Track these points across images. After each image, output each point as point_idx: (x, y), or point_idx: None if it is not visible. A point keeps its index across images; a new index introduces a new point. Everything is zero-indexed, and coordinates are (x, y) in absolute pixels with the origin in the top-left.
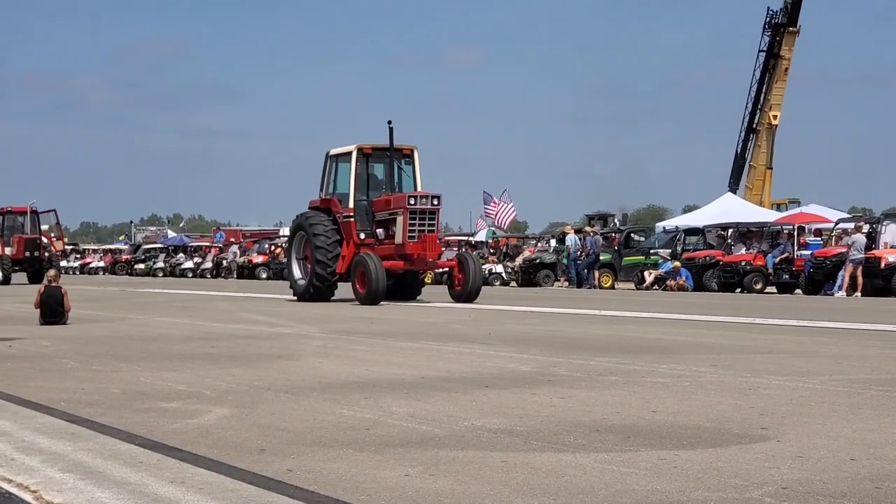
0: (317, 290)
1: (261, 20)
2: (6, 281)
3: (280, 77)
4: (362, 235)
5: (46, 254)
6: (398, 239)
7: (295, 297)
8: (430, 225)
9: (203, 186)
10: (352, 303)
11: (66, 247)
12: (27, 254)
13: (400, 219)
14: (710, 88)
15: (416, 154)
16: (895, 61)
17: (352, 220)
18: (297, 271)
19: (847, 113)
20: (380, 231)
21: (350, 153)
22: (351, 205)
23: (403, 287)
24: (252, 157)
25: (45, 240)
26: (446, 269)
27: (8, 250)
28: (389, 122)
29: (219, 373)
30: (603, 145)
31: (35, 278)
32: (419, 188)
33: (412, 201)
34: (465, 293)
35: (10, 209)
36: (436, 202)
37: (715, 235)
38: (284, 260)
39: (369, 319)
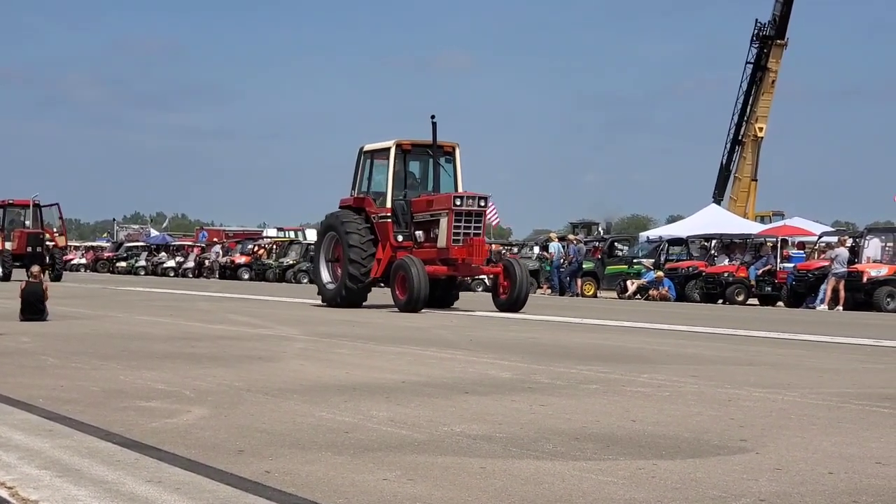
0: (349, 293)
1: (250, 22)
2: (6, 277)
3: (268, 79)
4: (400, 238)
5: (49, 249)
6: (441, 242)
7: (323, 303)
8: (476, 228)
9: (187, 186)
10: (388, 309)
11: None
12: (29, 249)
13: (444, 221)
14: (697, 99)
15: (457, 151)
16: (882, 76)
17: (388, 220)
18: (325, 274)
19: (833, 127)
20: (419, 233)
21: (388, 149)
22: (388, 204)
23: (439, 293)
24: (237, 158)
25: (47, 235)
26: (490, 275)
27: (9, 245)
28: (433, 117)
29: (199, 373)
30: (589, 154)
31: None
32: (460, 188)
33: (458, 202)
34: (510, 302)
35: (11, 202)
36: (483, 203)
37: (698, 246)
38: (266, 261)
39: (352, 323)
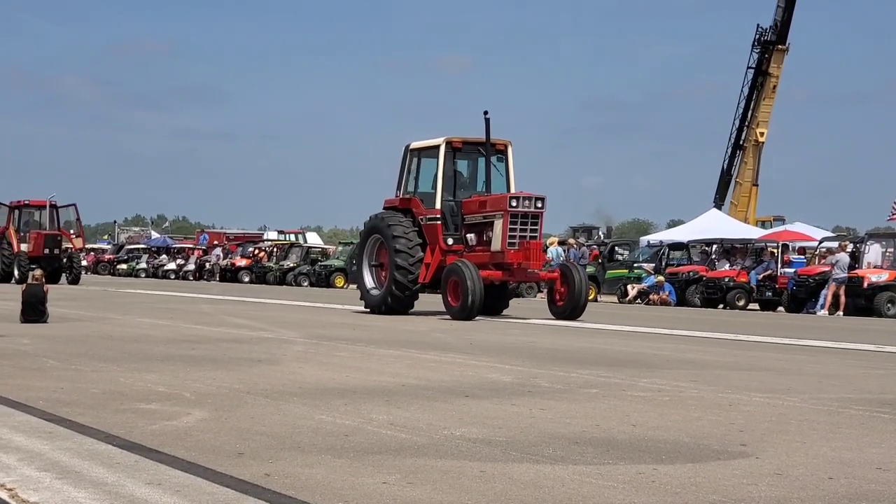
0: (395, 301)
1: (249, 23)
2: (23, 279)
3: (267, 80)
4: (450, 241)
5: (66, 251)
6: (495, 245)
7: (367, 309)
8: (532, 230)
9: (188, 188)
10: (437, 316)
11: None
12: (46, 251)
13: (498, 223)
14: (698, 103)
15: (510, 150)
16: (883, 81)
17: (438, 222)
18: (369, 280)
19: (834, 132)
20: (470, 236)
21: (437, 147)
22: (437, 205)
23: (489, 299)
24: (238, 159)
25: (64, 237)
26: (547, 280)
27: (24, 247)
28: (486, 113)
29: (199, 375)
30: (589, 158)
31: (52, 278)
32: (513, 188)
33: (514, 203)
34: (568, 309)
35: (27, 202)
36: (540, 205)
37: (699, 251)
38: (267, 264)
39: (351, 326)
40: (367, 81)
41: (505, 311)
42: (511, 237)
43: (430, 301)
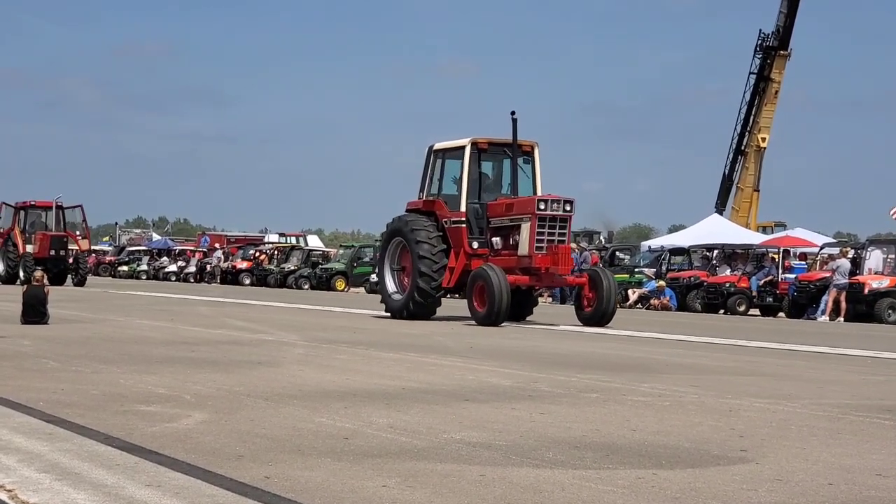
0: (418, 307)
1: (252, 26)
2: (28, 281)
3: (269, 83)
4: (475, 244)
5: (72, 253)
6: (522, 250)
7: (388, 314)
8: (560, 234)
9: (190, 190)
10: (461, 322)
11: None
12: (51, 252)
13: (525, 226)
14: (700, 108)
15: (536, 151)
16: (885, 88)
17: (463, 225)
18: (390, 284)
19: (835, 138)
20: (496, 240)
21: (462, 148)
22: (463, 208)
23: (513, 305)
24: (239, 162)
25: (70, 238)
26: (575, 286)
27: (30, 248)
28: (513, 113)
29: (199, 377)
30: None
31: (57, 280)
32: (539, 191)
33: (542, 206)
34: (597, 316)
35: (33, 203)
36: (568, 208)
37: (700, 256)
38: (268, 266)
39: (351, 329)
40: (369, 85)
41: (529, 317)
42: (539, 241)
43: (453, 306)
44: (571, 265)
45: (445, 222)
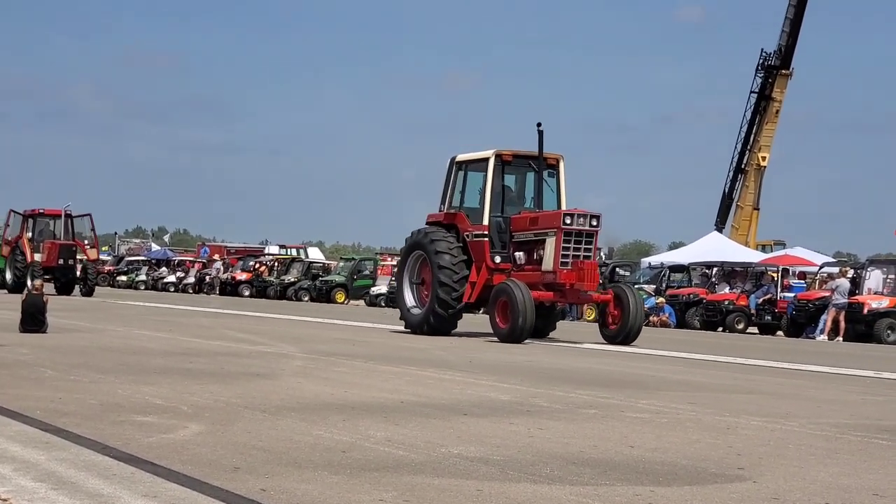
0: (438, 320)
1: (256, 37)
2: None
3: (272, 94)
4: (498, 259)
5: (81, 262)
6: (547, 265)
7: (407, 329)
8: (586, 250)
9: (189, 201)
10: (483, 338)
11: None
12: (60, 262)
13: (550, 241)
14: (702, 126)
15: (561, 164)
16: (885, 108)
17: (485, 239)
18: (409, 298)
19: (836, 158)
20: (519, 254)
21: (486, 160)
22: (485, 221)
23: (536, 321)
24: (241, 173)
25: (78, 247)
26: (600, 303)
27: (38, 257)
28: (539, 125)
29: (196, 389)
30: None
31: (65, 289)
32: (564, 205)
33: (568, 220)
34: (621, 334)
35: (42, 211)
36: (595, 223)
37: (700, 273)
38: (268, 278)
39: (350, 342)
40: (372, 97)
41: (552, 334)
42: (564, 256)
43: (473, 322)
44: (597, 281)
45: (467, 236)
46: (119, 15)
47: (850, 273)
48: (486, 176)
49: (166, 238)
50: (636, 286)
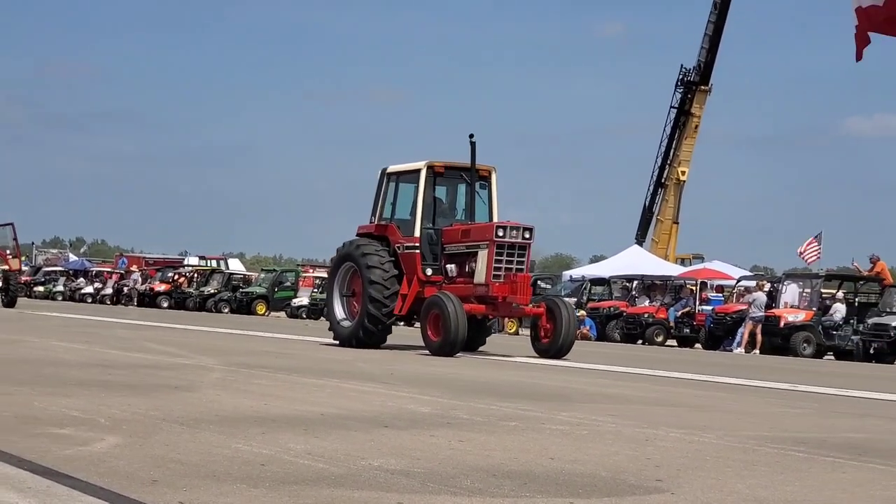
0: (368, 335)
1: (176, 48)
2: None
3: (192, 105)
4: (429, 271)
5: (2, 273)
6: (479, 278)
7: (336, 342)
8: (519, 262)
9: (107, 211)
10: (414, 351)
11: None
12: None
13: (483, 253)
14: (622, 141)
15: (493, 176)
16: (802, 124)
17: (417, 251)
18: (339, 311)
19: (753, 173)
20: (451, 267)
21: (417, 171)
22: (417, 233)
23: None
24: (160, 184)
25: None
26: (532, 316)
27: None
28: (471, 136)
29: (114, 401)
30: (515, 191)
31: None
32: (496, 217)
33: (500, 233)
34: (553, 348)
35: None
36: (528, 235)
37: (620, 287)
38: (187, 289)
39: (273, 354)
40: (293, 110)
41: (482, 348)
42: (496, 269)
43: (404, 334)
44: (530, 294)
45: (398, 248)
46: (36, 25)
47: (767, 287)
48: (417, 187)
49: (84, 249)
50: None
